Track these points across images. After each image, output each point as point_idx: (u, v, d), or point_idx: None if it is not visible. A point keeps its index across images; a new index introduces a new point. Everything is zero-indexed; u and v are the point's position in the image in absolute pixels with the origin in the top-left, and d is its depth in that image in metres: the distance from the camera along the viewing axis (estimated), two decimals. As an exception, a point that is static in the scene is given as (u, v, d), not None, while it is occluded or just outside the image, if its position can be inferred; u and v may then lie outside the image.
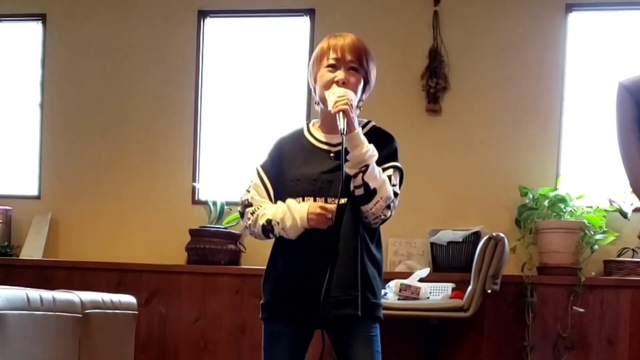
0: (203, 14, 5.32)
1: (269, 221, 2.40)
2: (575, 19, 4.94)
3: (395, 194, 2.39)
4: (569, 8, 4.91)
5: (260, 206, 2.45)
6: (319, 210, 2.32)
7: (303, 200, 2.38)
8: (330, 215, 2.31)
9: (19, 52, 5.58)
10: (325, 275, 2.32)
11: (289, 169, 2.44)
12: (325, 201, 2.37)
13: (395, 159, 2.45)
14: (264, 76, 5.29)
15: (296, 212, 2.34)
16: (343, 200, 2.33)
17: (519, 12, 4.95)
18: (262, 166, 2.50)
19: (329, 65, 2.40)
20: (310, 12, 5.18)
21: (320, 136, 2.47)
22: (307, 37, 5.17)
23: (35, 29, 5.51)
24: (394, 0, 5.09)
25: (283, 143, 2.52)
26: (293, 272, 2.41)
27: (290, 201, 2.38)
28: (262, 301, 2.50)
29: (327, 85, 2.38)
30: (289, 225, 2.35)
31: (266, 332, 2.49)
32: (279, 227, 2.38)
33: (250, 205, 2.48)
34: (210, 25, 5.34)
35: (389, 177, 2.38)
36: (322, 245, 2.34)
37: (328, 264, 2.32)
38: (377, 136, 2.41)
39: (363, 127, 2.46)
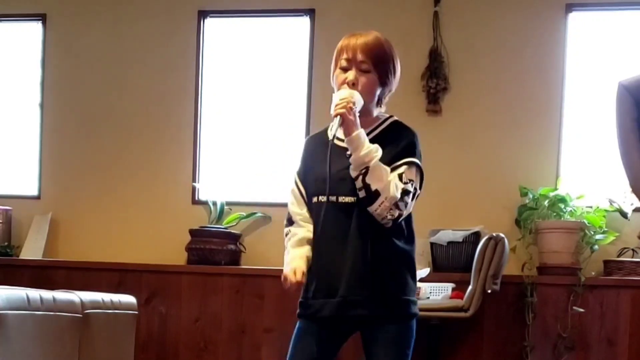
0: (203, 14, 5.32)
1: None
2: (575, 19, 4.94)
3: (407, 192, 2.32)
4: (569, 8, 4.91)
5: (290, 232, 2.48)
6: (286, 281, 2.35)
7: (318, 199, 2.40)
8: (288, 287, 2.34)
9: (19, 52, 5.58)
10: (336, 274, 2.35)
11: (310, 168, 2.46)
12: (337, 199, 2.36)
13: (411, 154, 2.39)
14: (264, 76, 5.29)
15: (285, 265, 2.41)
16: (353, 199, 2.33)
17: (519, 12, 4.95)
18: (297, 171, 2.53)
19: (342, 67, 2.40)
20: (310, 12, 5.18)
21: (340, 134, 2.41)
22: (307, 37, 5.17)
23: (35, 29, 5.51)
24: (394, 0, 5.09)
25: (308, 143, 2.55)
26: (314, 269, 2.42)
27: (294, 253, 2.43)
28: None
29: (339, 86, 2.38)
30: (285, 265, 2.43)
31: (295, 328, 2.48)
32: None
33: (290, 221, 2.49)
34: (210, 25, 5.34)
35: (401, 174, 2.33)
36: (335, 243, 2.36)
37: (339, 262, 2.35)
38: (395, 131, 2.39)
39: (382, 122, 2.45)
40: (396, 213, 2.31)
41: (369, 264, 2.34)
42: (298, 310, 2.49)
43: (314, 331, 2.42)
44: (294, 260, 2.39)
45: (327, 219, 2.35)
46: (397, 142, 2.37)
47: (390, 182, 2.30)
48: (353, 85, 2.36)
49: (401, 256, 2.41)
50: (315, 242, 2.41)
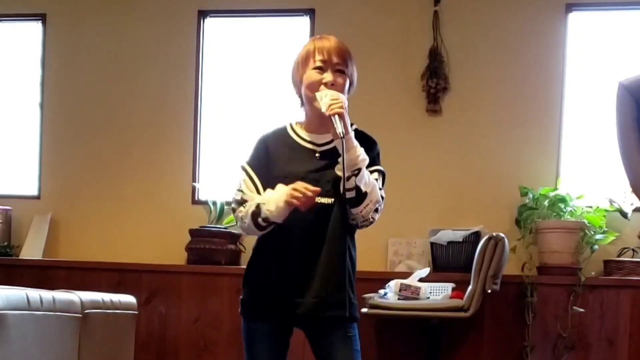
0: (203, 14, 5.32)
1: (257, 205, 2.37)
2: (575, 19, 4.94)
3: (382, 197, 2.40)
4: (569, 8, 4.91)
5: (253, 199, 2.44)
6: (301, 189, 2.28)
7: None
8: (310, 194, 2.28)
9: (19, 52, 5.58)
10: (307, 274, 2.35)
11: (274, 166, 2.44)
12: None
13: (378, 162, 2.47)
14: (264, 76, 5.29)
15: (280, 189, 2.33)
16: (330, 201, 2.35)
17: (519, 12, 4.95)
18: (249, 163, 2.49)
19: (316, 67, 2.41)
20: (310, 12, 5.18)
21: (306, 135, 2.49)
22: (307, 37, 5.16)
23: (35, 29, 5.51)
24: (393, 0, 5.09)
25: (267, 140, 2.51)
26: (275, 269, 2.42)
27: (271, 192, 2.37)
28: (241, 296, 2.53)
29: (315, 87, 2.39)
30: (272, 202, 2.32)
31: (246, 330, 2.52)
32: (265, 208, 2.34)
33: (244, 201, 2.45)
34: (210, 25, 5.35)
35: (376, 180, 2.40)
36: (305, 244, 2.36)
37: (311, 263, 2.35)
38: (361, 140, 2.41)
39: None
40: (376, 216, 2.39)
41: (344, 266, 2.37)
42: (246, 310, 2.50)
43: (271, 332, 2.46)
44: (281, 189, 2.34)
45: (300, 218, 2.35)
46: (365, 150, 2.37)
47: (375, 185, 2.36)
48: (332, 85, 2.39)
49: (355, 262, 2.47)
50: (282, 240, 2.40)
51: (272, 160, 2.46)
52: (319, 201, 2.36)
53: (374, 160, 2.43)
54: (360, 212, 2.34)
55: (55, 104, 5.46)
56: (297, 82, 2.48)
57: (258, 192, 2.45)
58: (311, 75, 2.41)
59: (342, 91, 2.40)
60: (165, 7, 5.35)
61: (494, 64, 4.97)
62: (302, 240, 2.37)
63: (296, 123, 2.55)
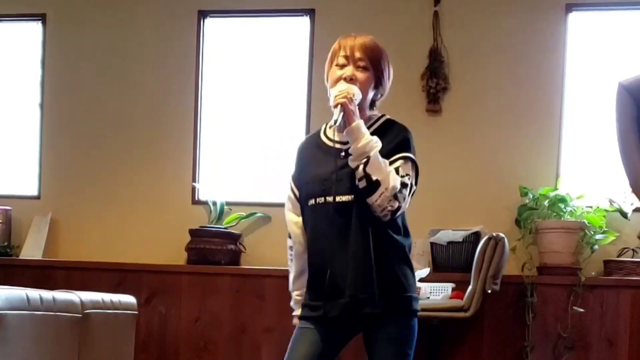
0: (203, 14, 5.32)
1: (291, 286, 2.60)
2: (575, 19, 4.94)
3: (405, 185, 2.34)
4: (569, 8, 4.91)
5: (291, 255, 2.57)
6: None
7: (315, 201, 2.42)
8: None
9: (19, 52, 5.58)
10: (339, 274, 2.36)
11: (306, 173, 2.49)
12: (334, 200, 2.38)
13: (406, 149, 2.42)
14: (264, 76, 5.29)
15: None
16: (349, 198, 2.35)
17: (519, 13, 4.95)
18: (292, 176, 2.58)
19: (339, 64, 2.42)
20: (310, 12, 5.18)
21: (334, 136, 2.47)
22: (307, 37, 5.17)
23: (35, 29, 5.51)
24: (394, 0, 5.09)
25: (302, 148, 2.59)
26: (312, 272, 2.46)
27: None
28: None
29: (336, 82, 2.40)
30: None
31: (296, 329, 2.52)
32: (292, 302, 2.60)
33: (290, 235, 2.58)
34: (210, 25, 5.35)
35: (397, 168, 2.35)
36: (332, 244, 2.37)
37: (341, 263, 2.36)
38: (389, 128, 2.43)
39: (376, 121, 2.48)
40: (395, 204, 2.32)
41: (373, 261, 2.35)
42: (300, 313, 2.51)
43: (315, 332, 2.43)
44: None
45: (325, 220, 2.37)
46: (391, 138, 2.40)
47: (390, 172, 2.32)
48: (351, 80, 2.39)
49: (400, 250, 2.42)
50: (314, 244, 2.42)
51: (304, 167, 2.51)
52: (341, 200, 2.37)
53: (399, 146, 2.40)
54: (375, 201, 2.30)
55: (55, 104, 5.46)
56: (327, 83, 2.49)
57: (299, 203, 2.52)
58: (334, 71, 2.43)
59: (362, 86, 2.40)
60: (165, 7, 5.35)
61: (494, 64, 4.97)
62: (333, 239, 2.37)
63: (329, 125, 2.55)
